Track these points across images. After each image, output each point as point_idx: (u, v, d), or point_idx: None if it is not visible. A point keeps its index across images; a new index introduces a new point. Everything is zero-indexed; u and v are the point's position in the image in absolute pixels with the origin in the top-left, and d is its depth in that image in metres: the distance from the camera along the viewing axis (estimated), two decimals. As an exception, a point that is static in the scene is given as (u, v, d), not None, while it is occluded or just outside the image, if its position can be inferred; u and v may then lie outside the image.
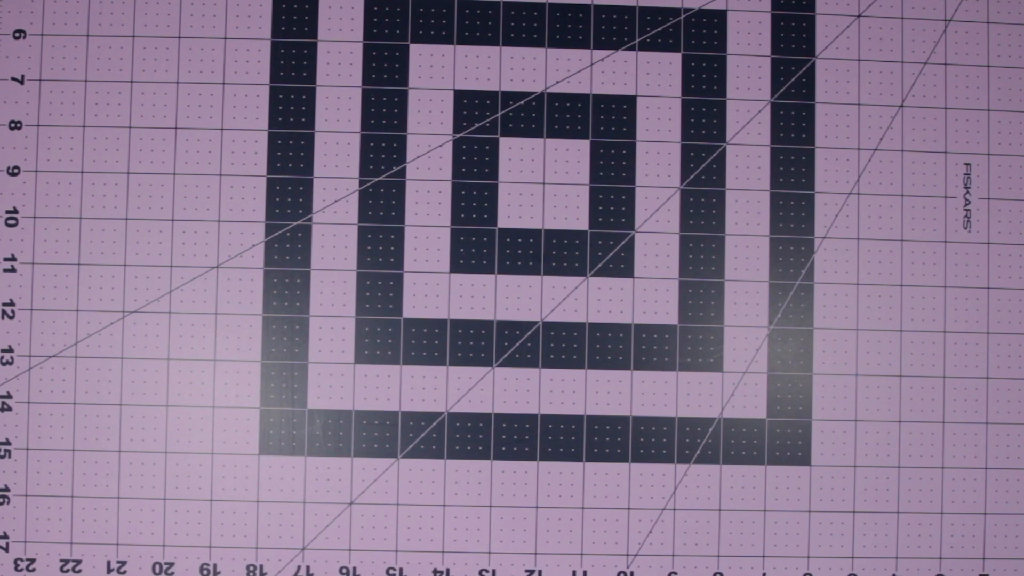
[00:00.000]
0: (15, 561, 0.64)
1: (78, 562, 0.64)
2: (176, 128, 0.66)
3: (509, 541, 0.66)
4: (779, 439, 0.67)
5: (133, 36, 0.66)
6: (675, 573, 0.66)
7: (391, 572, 0.65)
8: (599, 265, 0.67)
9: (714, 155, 0.68)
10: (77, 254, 0.65)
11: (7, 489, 0.65)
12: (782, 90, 0.68)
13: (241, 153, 0.66)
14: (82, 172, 0.66)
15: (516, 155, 0.67)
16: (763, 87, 0.68)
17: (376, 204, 0.66)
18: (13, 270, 0.65)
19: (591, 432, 0.66)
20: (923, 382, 0.67)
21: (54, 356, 0.65)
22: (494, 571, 0.66)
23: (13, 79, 0.66)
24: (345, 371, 0.66)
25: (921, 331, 0.68)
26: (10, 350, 0.65)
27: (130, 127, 0.66)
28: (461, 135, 0.67)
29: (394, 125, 0.67)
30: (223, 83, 0.66)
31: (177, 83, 0.66)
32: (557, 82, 0.67)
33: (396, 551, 0.65)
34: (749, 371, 0.67)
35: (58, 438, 0.65)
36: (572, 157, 0.67)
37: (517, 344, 0.66)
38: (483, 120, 0.67)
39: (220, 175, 0.66)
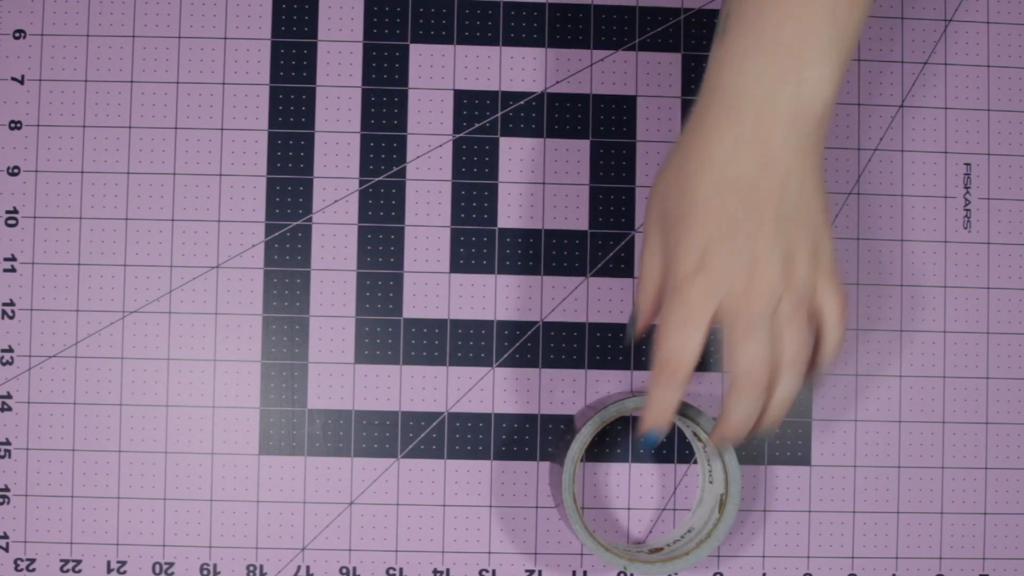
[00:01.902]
0: (15, 561, 0.64)
1: (78, 562, 0.64)
2: (176, 128, 0.66)
3: (509, 541, 0.66)
4: (779, 439, 0.67)
5: (133, 36, 0.66)
6: (675, 573, 0.66)
7: (391, 572, 0.65)
8: (599, 265, 0.67)
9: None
10: (77, 254, 0.65)
11: (7, 489, 0.65)
12: (782, 90, 0.68)
13: (241, 153, 0.66)
14: (82, 172, 0.66)
15: (516, 155, 0.67)
16: (763, 87, 0.68)
17: (376, 204, 0.66)
18: (13, 270, 0.65)
19: (591, 432, 0.66)
20: (923, 382, 0.67)
21: (54, 356, 0.65)
22: (494, 571, 0.66)
23: (13, 79, 0.66)
24: (345, 371, 0.66)
25: (921, 331, 0.68)
26: (10, 350, 0.65)
27: (130, 127, 0.66)
28: (461, 135, 0.67)
29: (394, 125, 0.67)
30: (223, 83, 0.66)
31: (177, 83, 0.66)
32: (557, 82, 0.67)
33: (396, 551, 0.65)
34: (749, 371, 0.67)
35: (58, 438, 0.65)
36: (572, 157, 0.67)
37: (517, 344, 0.66)
38: (483, 120, 0.67)
39: (220, 175, 0.66)
